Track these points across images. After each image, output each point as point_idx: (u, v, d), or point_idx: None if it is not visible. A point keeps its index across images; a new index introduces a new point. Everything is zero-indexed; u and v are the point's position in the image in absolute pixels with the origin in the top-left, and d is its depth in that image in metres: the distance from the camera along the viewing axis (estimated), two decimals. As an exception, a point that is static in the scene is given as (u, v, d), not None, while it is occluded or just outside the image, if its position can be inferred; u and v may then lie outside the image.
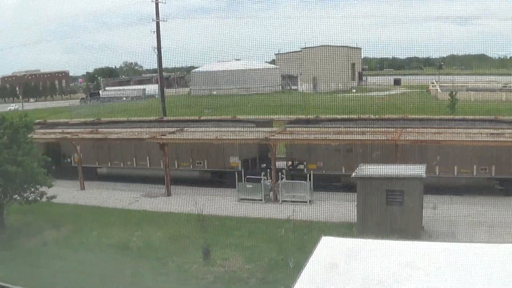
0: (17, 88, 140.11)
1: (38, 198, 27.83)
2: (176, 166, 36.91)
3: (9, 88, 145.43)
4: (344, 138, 33.07)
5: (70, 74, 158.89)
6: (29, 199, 27.67)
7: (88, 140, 39.05)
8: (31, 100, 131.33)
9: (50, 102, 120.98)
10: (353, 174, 25.01)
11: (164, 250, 24.34)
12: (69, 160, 41.14)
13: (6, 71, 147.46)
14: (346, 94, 75.80)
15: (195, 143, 36.38)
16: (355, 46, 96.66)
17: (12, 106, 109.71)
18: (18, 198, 27.75)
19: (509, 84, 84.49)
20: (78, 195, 35.72)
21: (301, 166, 35.19)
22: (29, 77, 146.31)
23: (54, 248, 25.34)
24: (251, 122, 39.38)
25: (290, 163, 36.60)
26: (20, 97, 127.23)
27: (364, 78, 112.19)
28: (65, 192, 33.96)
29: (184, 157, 37.28)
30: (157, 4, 59.24)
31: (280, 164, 35.91)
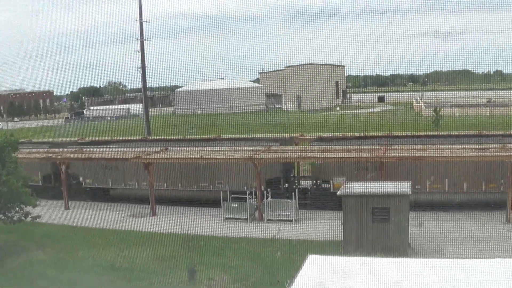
0: (1, 107, 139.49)
1: (23, 218, 27.60)
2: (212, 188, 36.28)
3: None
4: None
5: (54, 93, 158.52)
6: (14, 218, 27.44)
7: (72, 160, 38.80)
8: (16, 119, 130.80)
9: (34, 121, 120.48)
10: (339, 191, 24.98)
11: (150, 270, 24.18)
12: (77, 181, 40.61)
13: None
14: (330, 112, 75.95)
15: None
16: (339, 64, 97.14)
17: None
18: (3, 217, 27.49)
19: (493, 99, 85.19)
20: (65, 215, 35.51)
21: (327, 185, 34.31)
22: (14, 96, 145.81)
23: (39, 268, 25.13)
24: (272, 140, 39.39)
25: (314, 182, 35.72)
26: (5, 116, 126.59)
27: (348, 95, 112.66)
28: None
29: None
30: (141, 24, 59.32)
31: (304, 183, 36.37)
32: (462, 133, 37.85)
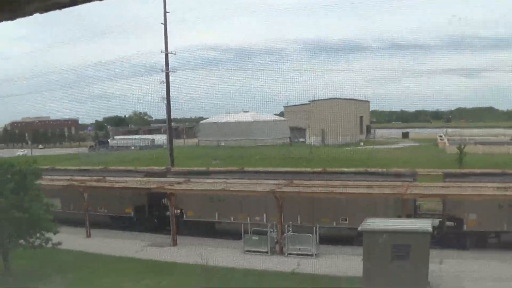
0: (26, 134, 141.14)
1: (44, 244, 27.79)
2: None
3: (17, 133, 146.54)
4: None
5: (79, 122, 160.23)
6: (35, 244, 27.66)
7: (94, 188, 39.05)
8: (40, 146, 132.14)
9: (59, 149, 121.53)
10: (359, 228, 24.91)
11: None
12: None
13: (15, 116, 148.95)
14: (354, 147, 75.93)
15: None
16: (364, 99, 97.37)
17: (21, 152, 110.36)
18: (24, 243, 27.73)
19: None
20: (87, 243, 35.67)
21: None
22: (39, 124, 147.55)
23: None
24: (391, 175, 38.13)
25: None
26: (29, 142, 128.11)
27: (372, 131, 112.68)
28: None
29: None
30: (166, 55, 59.88)
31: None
32: (485, 171, 37.55)
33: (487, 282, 24.42)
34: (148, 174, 43.98)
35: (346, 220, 32.86)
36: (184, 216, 37.08)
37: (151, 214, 40.12)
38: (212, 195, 35.97)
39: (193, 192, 36.73)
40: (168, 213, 37.72)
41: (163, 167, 48.81)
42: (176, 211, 36.39)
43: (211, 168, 46.98)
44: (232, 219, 35.34)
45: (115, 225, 38.70)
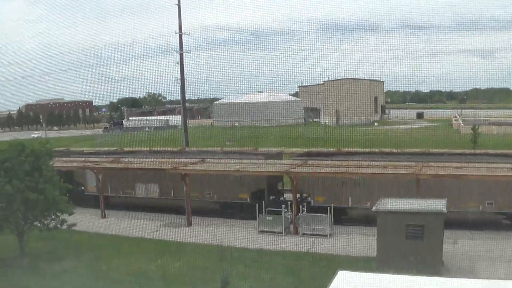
0: (40, 116, 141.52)
1: (59, 226, 28.00)
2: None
3: (32, 115, 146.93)
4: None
5: (94, 104, 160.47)
6: (50, 226, 27.88)
7: (108, 170, 39.24)
8: (55, 128, 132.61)
9: (73, 131, 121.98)
10: (374, 208, 24.90)
11: (183, 280, 24.31)
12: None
13: (30, 99, 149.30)
14: (368, 127, 75.72)
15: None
16: (378, 79, 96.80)
17: (36, 134, 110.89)
18: (39, 225, 27.93)
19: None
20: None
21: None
22: (53, 106, 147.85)
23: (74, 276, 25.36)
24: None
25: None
26: (44, 124, 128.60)
27: (387, 111, 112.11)
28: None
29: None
30: (180, 36, 59.79)
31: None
32: (499, 152, 37.37)
33: (501, 263, 24.37)
34: (266, 156, 40.27)
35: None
36: (312, 202, 34.34)
37: (271, 199, 36.64)
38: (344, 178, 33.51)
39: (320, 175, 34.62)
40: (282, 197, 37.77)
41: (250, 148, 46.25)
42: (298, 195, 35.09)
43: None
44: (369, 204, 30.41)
45: (226, 212, 36.44)
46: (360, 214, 32.03)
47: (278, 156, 41.42)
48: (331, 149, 41.49)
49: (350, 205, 33.52)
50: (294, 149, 44.95)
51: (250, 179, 36.21)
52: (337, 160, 36.45)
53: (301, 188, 35.24)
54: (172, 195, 38.31)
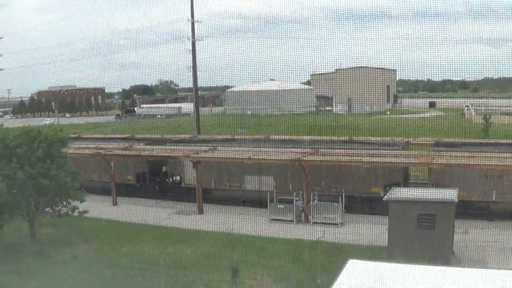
0: (52, 103, 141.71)
1: (70, 212, 28.19)
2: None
3: (45, 102, 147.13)
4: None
5: (106, 91, 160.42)
6: (61, 212, 28.07)
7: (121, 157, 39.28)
8: (67, 115, 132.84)
9: (85, 118, 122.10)
10: (385, 197, 24.88)
11: (194, 267, 24.38)
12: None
13: (42, 85, 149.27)
14: (381, 116, 75.42)
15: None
16: (390, 68, 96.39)
17: (48, 121, 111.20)
18: (50, 211, 28.11)
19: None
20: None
21: None
22: (65, 92, 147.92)
23: (84, 262, 25.49)
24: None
25: None
26: (56, 111, 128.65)
27: (399, 100, 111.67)
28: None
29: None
30: (193, 24, 59.64)
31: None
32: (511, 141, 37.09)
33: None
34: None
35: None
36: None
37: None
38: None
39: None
40: None
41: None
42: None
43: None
44: None
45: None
46: None
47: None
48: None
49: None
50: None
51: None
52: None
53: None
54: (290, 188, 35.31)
